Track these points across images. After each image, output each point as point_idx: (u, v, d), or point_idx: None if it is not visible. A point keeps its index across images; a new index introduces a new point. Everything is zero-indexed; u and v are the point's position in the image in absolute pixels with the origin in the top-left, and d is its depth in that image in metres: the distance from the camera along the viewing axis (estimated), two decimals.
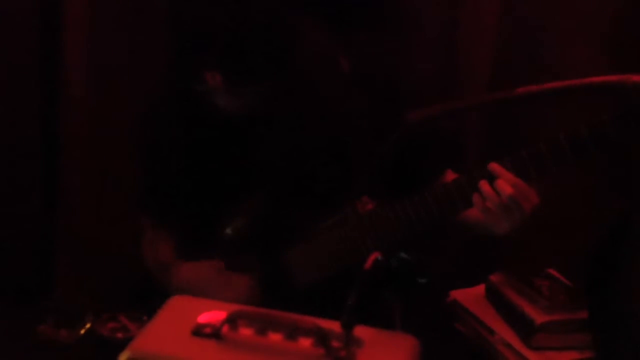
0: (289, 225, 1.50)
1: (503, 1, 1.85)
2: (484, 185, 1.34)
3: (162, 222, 1.59)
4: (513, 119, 1.86)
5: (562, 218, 1.87)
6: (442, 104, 1.45)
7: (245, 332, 1.09)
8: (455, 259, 1.92)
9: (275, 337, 1.08)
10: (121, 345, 1.08)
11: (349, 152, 1.52)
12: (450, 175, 1.55)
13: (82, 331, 1.44)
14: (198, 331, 1.08)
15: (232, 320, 1.08)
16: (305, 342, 1.07)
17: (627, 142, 1.30)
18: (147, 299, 1.36)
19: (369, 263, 1.04)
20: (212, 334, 1.07)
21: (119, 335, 1.39)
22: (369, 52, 1.62)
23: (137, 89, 1.84)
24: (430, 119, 1.40)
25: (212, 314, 1.11)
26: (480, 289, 1.77)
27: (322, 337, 1.05)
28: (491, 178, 1.34)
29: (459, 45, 1.90)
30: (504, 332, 1.65)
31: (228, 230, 1.49)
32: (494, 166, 1.35)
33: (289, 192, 1.51)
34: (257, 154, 1.52)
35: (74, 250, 1.94)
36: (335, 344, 1.05)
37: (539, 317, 1.60)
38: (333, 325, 1.07)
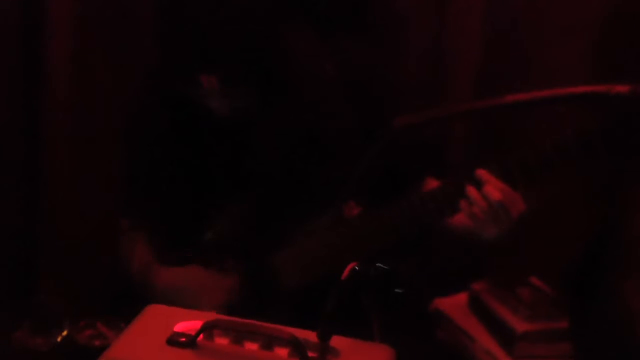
0: (274, 230, 1.49)
1: (487, 6, 1.85)
2: (471, 190, 1.35)
3: (144, 224, 1.57)
4: (495, 124, 1.86)
5: (546, 227, 1.87)
6: (429, 110, 1.45)
7: (221, 341, 1.08)
8: (438, 268, 1.92)
9: (251, 347, 1.07)
10: (98, 353, 1.07)
11: (335, 157, 1.51)
12: (431, 182, 1.55)
13: (59, 338, 1.42)
14: (173, 340, 1.07)
15: (208, 330, 1.07)
16: (282, 352, 1.06)
17: (612, 151, 1.31)
18: (125, 306, 1.35)
19: (345, 273, 1.04)
20: (188, 343, 1.06)
21: (97, 342, 1.38)
22: (355, 57, 1.62)
23: (121, 90, 1.83)
24: (417, 125, 1.40)
25: (188, 323, 1.10)
26: (463, 297, 1.77)
27: (298, 347, 1.04)
28: (478, 184, 1.35)
29: (444, 50, 1.90)
30: (485, 341, 1.65)
31: (209, 234, 1.49)
32: (482, 172, 1.36)
33: (274, 196, 1.50)
34: (243, 158, 1.51)
35: (54, 256, 1.92)
36: (311, 354, 1.04)
37: (520, 326, 1.60)
38: (309, 336, 1.06)
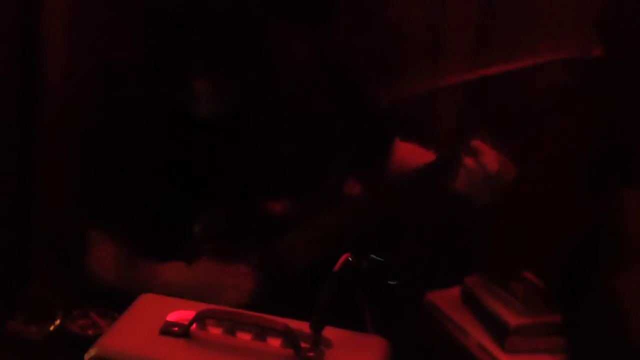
0: (273, 217, 1.49)
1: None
2: (469, 161, 1.43)
3: (120, 230, 1.52)
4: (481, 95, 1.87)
5: (539, 221, 1.87)
6: (413, 85, 1.48)
7: (214, 331, 1.08)
8: (432, 261, 1.92)
9: (244, 337, 1.07)
10: (91, 343, 1.06)
11: (324, 139, 1.52)
12: (419, 153, 1.57)
13: (52, 327, 1.42)
14: (166, 330, 1.07)
15: (201, 320, 1.07)
16: (274, 343, 1.06)
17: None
18: (118, 295, 1.34)
19: (339, 264, 1.04)
20: (181, 333, 1.06)
21: (90, 332, 1.38)
22: (335, 41, 1.63)
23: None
24: (404, 100, 1.45)
25: (182, 313, 1.10)
26: (456, 291, 1.77)
27: (291, 338, 1.04)
28: (474, 153, 1.43)
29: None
30: (478, 335, 1.65)
31: (196, 229, 1.48)
32: (477, 143, 1.44)
33: (267, 185, 1.50)
34: (230, 150, 1.51)
35: (47, 245, 1.92)
36: (304, 344, 1.05)
37: (513, 320, 1.60)
38: (303, 326, 1.06)
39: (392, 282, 1.07)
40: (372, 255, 1.06)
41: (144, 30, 1.53)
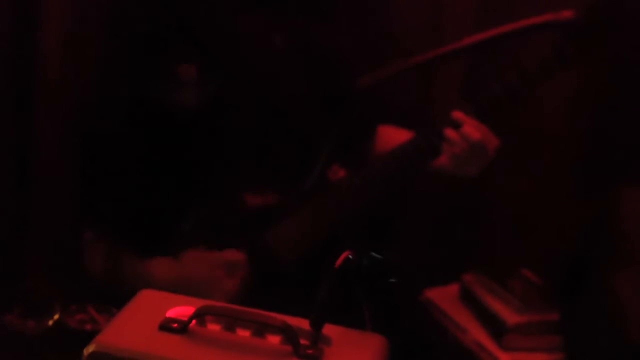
0: (259, 209, 1.49)
1: None
2: (450, 133, 1.41)
3: (116, 231, 1.52)
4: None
5: (537, 219, 1.87)
6: (389, 65, 1.49)
7: (213, 327, 1.08)
8: (429, 259, 1.93)
9: (243, 334, 1.07)
10: (89, 338, 1.06)
11: (303, 126, 1.52)
12: (401, 133, 1.57)
13: (50, 322, 1.42)
14: (165, 326, 1.07)
15: (200, 316, 1.07)
16: (274, 340, 1.06)
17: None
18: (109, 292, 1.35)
19: (339, 261, 1.04)
20: (180, 329, 1.06)
21: (88, 327, 1.37)
22: (311, 29, 1.62)
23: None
24: (382, 81, 1.45)
25: (181, 309, 1.10)
26: (454, 288, 1.78)
27: (290, 335, 1.04)
28: (455, 125, 1.41)
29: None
30: (476, 332, 1.66)
31: (185, 225, 1.48)
32: (458, 114, 1.42)
33: (249, 176, 1.50)
34: (210, 144, 1.50)
35: (45, 239, 1.92)
36: (303, 341, 1.05)
37: (510, 317, 1.61)
38: (302, 323, 1.06)
39: (392, 280, 1.07)
40: (372, 253, 1.06)
41: (125, 23, 1.52)
